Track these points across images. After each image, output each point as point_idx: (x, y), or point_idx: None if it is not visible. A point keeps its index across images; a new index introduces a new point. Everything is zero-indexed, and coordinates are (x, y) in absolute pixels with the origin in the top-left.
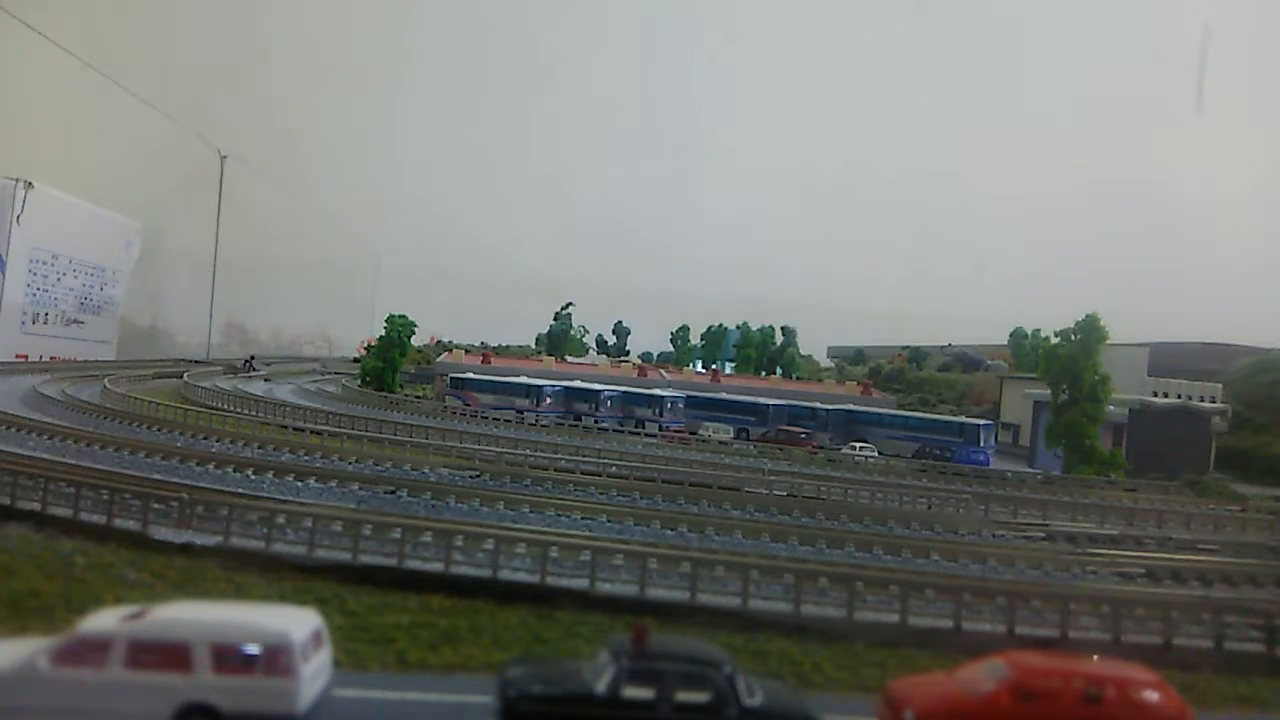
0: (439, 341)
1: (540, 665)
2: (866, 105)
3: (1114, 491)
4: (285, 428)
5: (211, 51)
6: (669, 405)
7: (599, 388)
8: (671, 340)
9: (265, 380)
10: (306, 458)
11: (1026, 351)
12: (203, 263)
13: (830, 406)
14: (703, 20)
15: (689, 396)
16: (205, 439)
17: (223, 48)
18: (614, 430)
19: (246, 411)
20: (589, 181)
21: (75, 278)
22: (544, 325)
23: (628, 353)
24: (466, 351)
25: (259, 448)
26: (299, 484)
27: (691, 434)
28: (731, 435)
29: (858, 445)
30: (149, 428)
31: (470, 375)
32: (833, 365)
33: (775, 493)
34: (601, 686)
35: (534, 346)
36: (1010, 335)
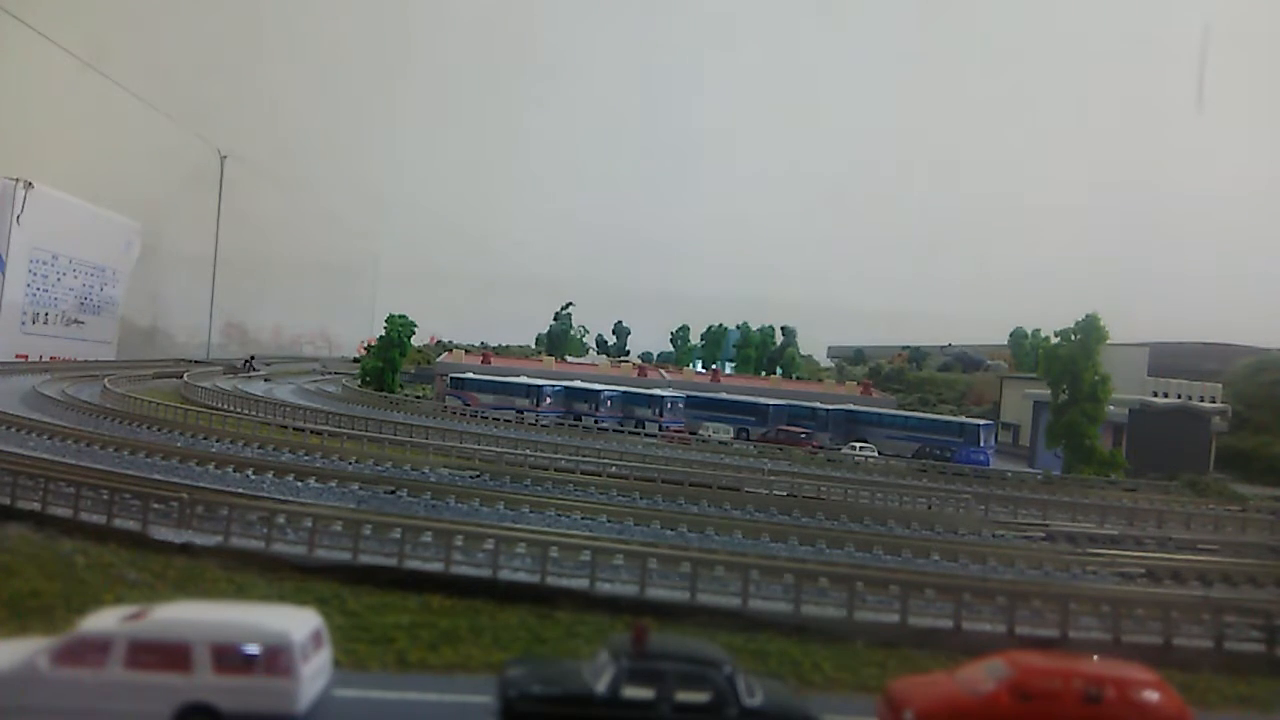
0: (439, 341)
1: (540, 665)
2: (867, 105)
3: (1114, 491)
4: (285, 428)
5: (211, 51)
6: (669, 405)
7: (599, 388)
8: (671, 340)
9: (265, 380)
10: (306, 458)
11: (1026, 351)
12: (203, 263)
13: (830, 406)
14: (703, 20)
15: (689, 396)
16: (205, 439)
17: (223, 48)
18: (614, 430)
19: (246, 411)
20: (589, 181)
21: (75, 278)
22: (544, 325)
23: (628, 353)
24: (466, 351)
25: (259, 448)
26: (299, 484)
27: (691, 434)
28: (731, 435)
29: (858, 445)
30: (149, 428)
31: (470, 375)
32: (833, 365)
33: (775, 493)
34: (601, 686)
35: (534, 346)
36: (1010, 335)
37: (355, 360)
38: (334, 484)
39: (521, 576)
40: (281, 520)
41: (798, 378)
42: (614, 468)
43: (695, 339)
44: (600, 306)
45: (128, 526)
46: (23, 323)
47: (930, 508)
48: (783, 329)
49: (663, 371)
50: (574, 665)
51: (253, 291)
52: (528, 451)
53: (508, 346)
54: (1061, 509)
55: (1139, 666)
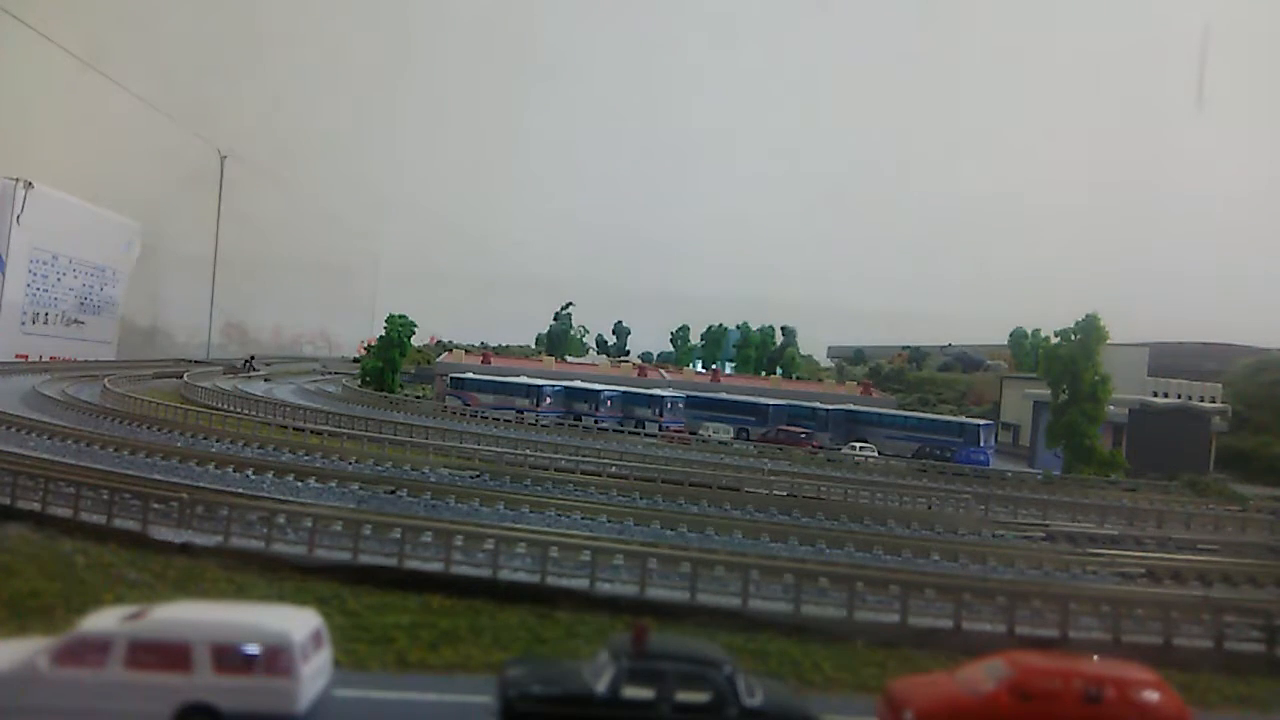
0: (439, 341)
1: (540, 665)
2: (866, 105)
3: (1114, 491)
4: (285, 428)
5: (211, 51)
6: (669, 405)
7: (599, 388)
8: (671, 340)
9: (265, 380)
10: (306, 458)
11: (1026, 351)
12: (203, 263)
13: (830, 406)
14: (703, 20)
15: (689, 396)
16: (205, 439)
17: (223, 48)
18: (614, 430)
19: (246, 411)
20: (589, 181)
21: (75, 278)
22: (544, 325)
23: (628, 353)
24: (466, 351)
25: (259, 448)
26: (299, 484)
27: (691, 434)
28: (731, 435)
29: (858, 445)
30: (149, 428)
31: (470, 375)
32: (833, 365)
33: (775, 493)
34: (601, 686)
35: (534, 346)
36: (1010, 335)
37: (355, 360)
38: (334, 484)
39: (521, 576)
40: (281, 520)
41: (798, 378)
42: (614, 468)
43: (695, 339)
44: (600, 306)
45: (128, 526)
46: (23, 323)
47: (930, 508)
48: (783, 329)
49: (663, 371)
50: (574, 665)
51: (253, 291)
52: (528, 451)
53: (508, 346)
54: (1061, 509)
55: (1139, 666)
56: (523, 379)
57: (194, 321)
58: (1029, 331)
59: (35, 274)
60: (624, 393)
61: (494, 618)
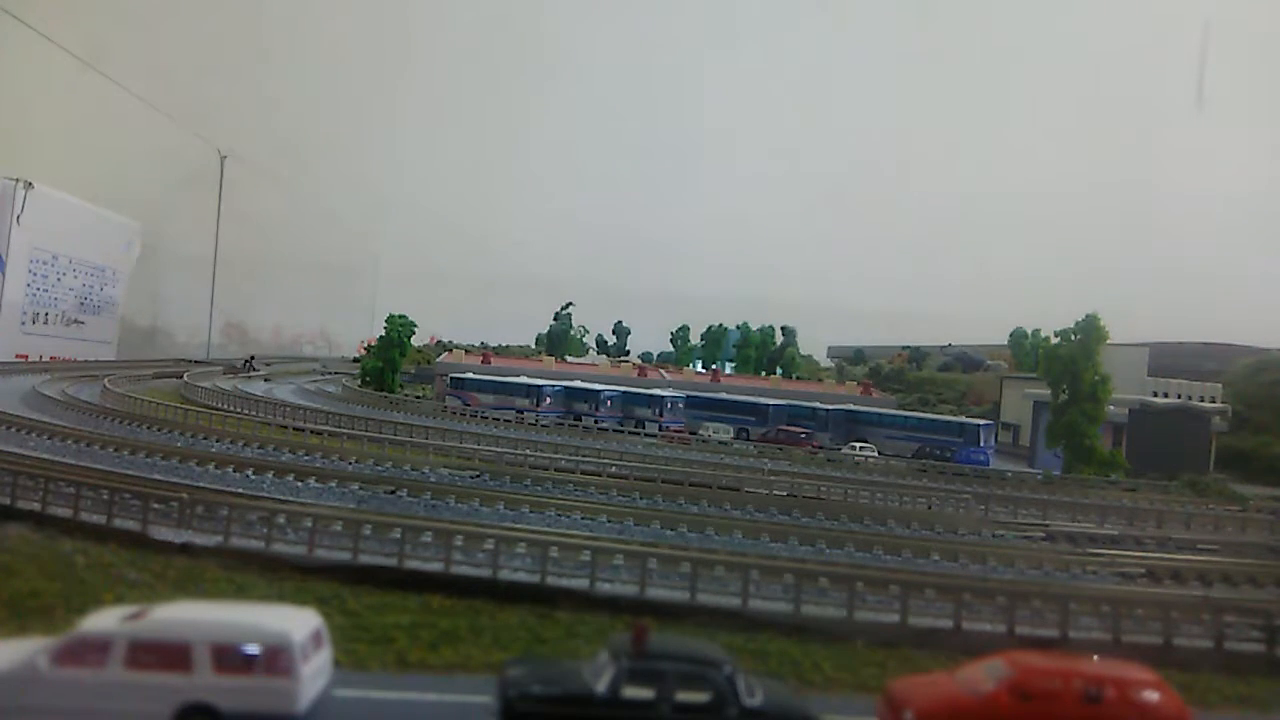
0: (439, 341)
1: (540, 665)
2: (867, 105)
3: (1114, 491)
4: (285, 428)
5: (211, 51)
6: (669, 405)
7: (599, 388)
8: (671, 340)
9: (265, 380)
10: (306, 458)
11: (1026, 351)
12: (203, 263)
13: (830, 406)
14: (703, 19)
15: (689, 396)
16: (205, 439)
17: (223, 48)
18: (614, 430)
19: (246, 411)
20: (589, 181)
21: (75, 278)
22: (544, 325)
23: (628, 353)
24: (466, 351)
25: (259, 448)
26: (299, 484)
27: (691, 434)
28: (731, 435)
29: (858, 445)
30: (149, 428)
31: (470, 375)
32: (833, 365)
33: (775, 493)
34: (601, 686)
35: (534, 346)
36: (1010, 335)
37: (355, 360)
38: (334, 484)
39: (521, 576)
40: (281, 520)
41: (798, 378)
42: (614, 468)
43: (695, 339)
44: (600, 306)
45: (128, 526)
46: (23, 323)
47: (930, 508)
48: (783, 329)
49: (663, 371)
50: (574, 665)
51: (253, 291)
52: (528, 451)
53: (508, 346)
54: (1061, 509)
55: (1139, 666)
56: (523, 379)
57: (194, 321)
58: (1029, 331)
59: (35, 274)
60: (624, 393)
61: (494, 618)
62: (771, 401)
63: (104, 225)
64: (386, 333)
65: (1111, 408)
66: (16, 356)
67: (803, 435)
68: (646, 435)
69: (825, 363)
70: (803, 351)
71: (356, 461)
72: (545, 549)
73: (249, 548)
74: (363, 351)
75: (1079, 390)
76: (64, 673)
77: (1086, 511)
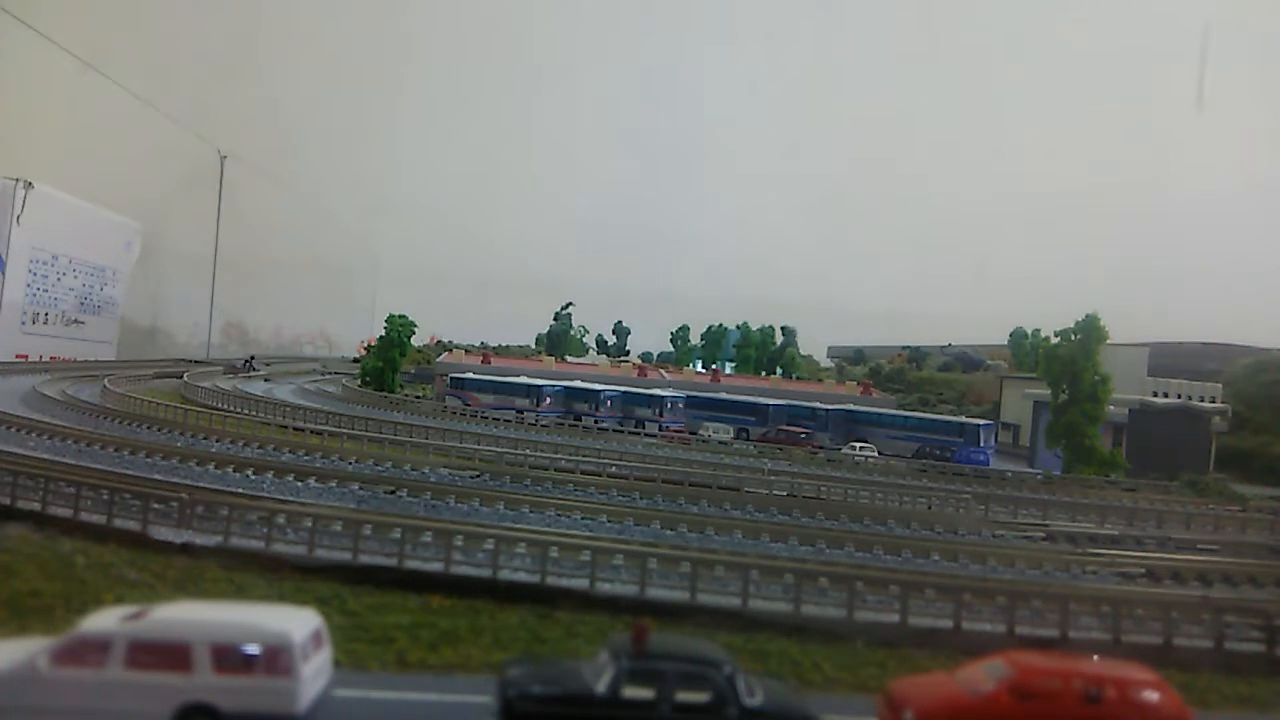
0: (439, 341)
1: (540, 665)
2: (867, 104)
3: (1114, 491)
4: (285, 428)
5: (211, 51)
6: (669, 405)
7: (599, 388)
8: (671, 340)
9: (265, 380)
10: (306, 458)
11: (1026, 351)
12: (203, 263)
13: (830, 406)
14: (703, 19)
15: (689, 396)
16: (205, 439)
17: (223, 48)
18: (614, 430)
19: (246, 411)
20: (589, 181)
21: (75, 278)
22: (544, 325)
23: (628, 353)
24: (466, 351)
25: (259, 448)
26: (299, 484)
27: (691, 434)
28: (731, 435)
29: (858, 445)
30: (149, 428)
31: (470, 375)
32: (833, 365)
33: (775, 493)
34: (601, 686)
35: (534, 346)
36: (1010, 335)
37: (355, 360)
38: (334, 484)
39: (521, 576)
40: (281, 520)
41: (798, 378)
42: (614, 468)
43: (695, 339)
44: (600, 306)
45: (128, 526)
46: (23, 323)
47: (930, 508)
48: (783, 329)
49: (663, 371)
50: (574, 665)
51: (253, 291)
52: (528, 451)
53: (508, 346)
54: (1061, 509)
55: (1139, 666)
56: (523, 379)
57: (194, 321)
58: (1029, 331)
59: (35, 274)
60: (624, 393)
61: (494, 618)
62: (771, 401)
63: (104, 225)
64: (386, 333)
65: (1111, 408)
66: (16, 356)
67: (803, 435)
68: (646, 435)
69: (825, 363)
70: (803, 351)
71: (356, 461)
72: (545, 549)
73: (249, 548)
74: (363, 351)
75: (1079, 390)
76: (64, 673)
77: (1086, 511)
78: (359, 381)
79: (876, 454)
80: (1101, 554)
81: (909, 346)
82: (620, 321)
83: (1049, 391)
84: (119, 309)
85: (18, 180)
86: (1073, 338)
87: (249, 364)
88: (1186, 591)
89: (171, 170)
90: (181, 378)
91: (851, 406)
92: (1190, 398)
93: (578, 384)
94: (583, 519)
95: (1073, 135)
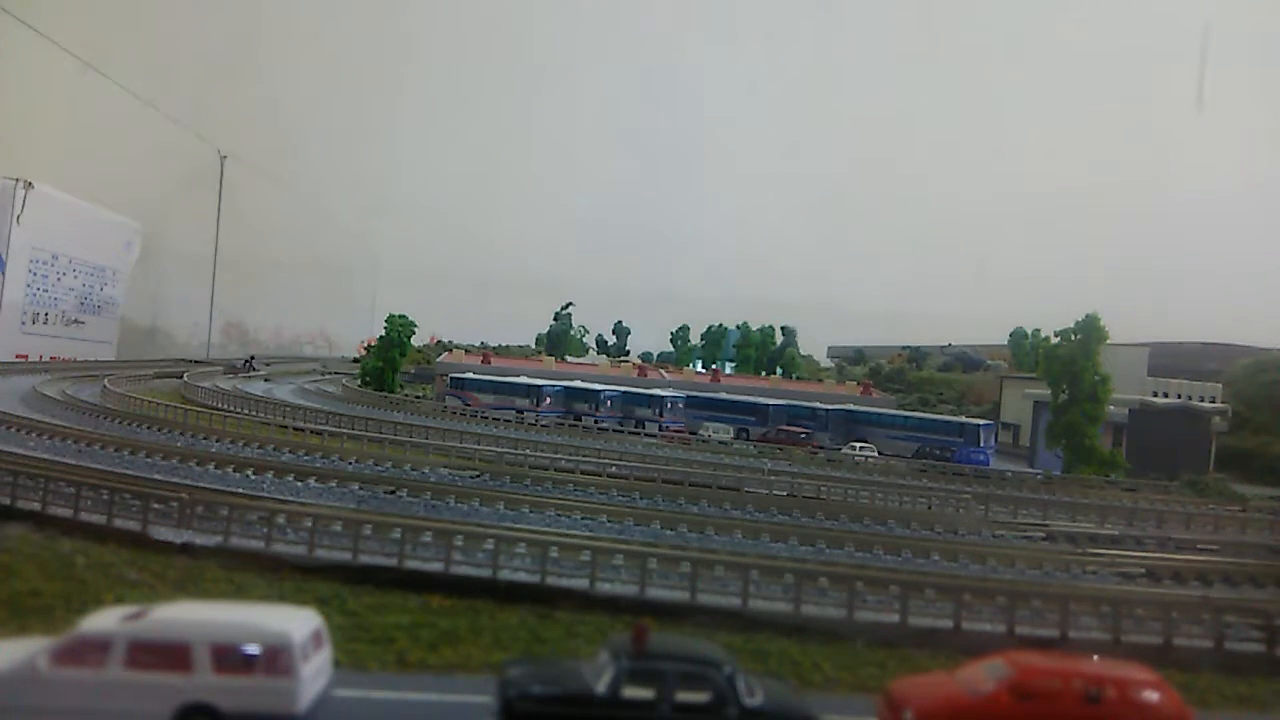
0: (439, 341)
1: (540, 665)
2: (867, 104)
3: (1114, 491)
4: (285, 428)
5: (211, 51)
6: (669, 405)
7: (599, 388)
8: (671, 340)
9: (265, 380)
10: (306, 458)
11: (1026, 351)
12: (203, 263)
13: (830, 406)
14: (703, 19)
15: (689, 396)
16: (205, 439)
17: (223, 48)
18: (614, 430)
19: (246, 411)
20: (589, 181)
21: (75, 278)
22: (544, 325)
23: (628, 353)
24: (466, 351)
25: (259, 448)
26: (299, 484)
27: (691, 434)
28: (731, 435)
29: (858, 445)
30: (149, 428)
31: (470, 375)
32: (833, 365)
33: (775, 493)
34: (601, 686)
35: (534, 346)
36: (1010, 335)
37: (355, 360)
38: (334, 484)
39: (521, 576)
40: (281, 520)
41: (798, 378)
42: (614, 468)
43: (695, 339)
44: (600, 306)
45: (128, 526)
46: (22, 323)
47: (930, 508)
48: (783, 329)
49: (663, 371)
50: (574, 665)
51: (253, 291)
52: (528, 451)
53: (508, 346)
54: (1061, 509)
55: (1139, 666)
56: (523, 379)
57: (194, 321)
58: (1029, 331)
59: (35, 274)
60: (624, 393)
61: (494, 618)
62: (771, 401)
63: (104, 225)
64: (386, 333)
65: (1111, 408)
66: (16, 356)
67: (803, 435)
68: (646, 435)
69: (825, 363)
70: (803, 351)
71: (356, 461)
72: (545, 549)
73: (249, 548)
74: (363, 351)
75: (1079, 390)
76: (64, 673)
77: (1086, 511)
78: (359, 381)
79: (876, 454)
80: (1101, 554)
81: (909, 346)
82: (620, 321)
83: (1049, 391)
84: (119, 309)
85: (18, 180)
86: (1073, 338)
87: (249, 364)
88: (1186, 591)
89: (171, 170)
90: (181, 378)
91: (851, 406)
92: (1190, 398)
93: (578, 384)
94: (583, 519)
95: (1073, 135)
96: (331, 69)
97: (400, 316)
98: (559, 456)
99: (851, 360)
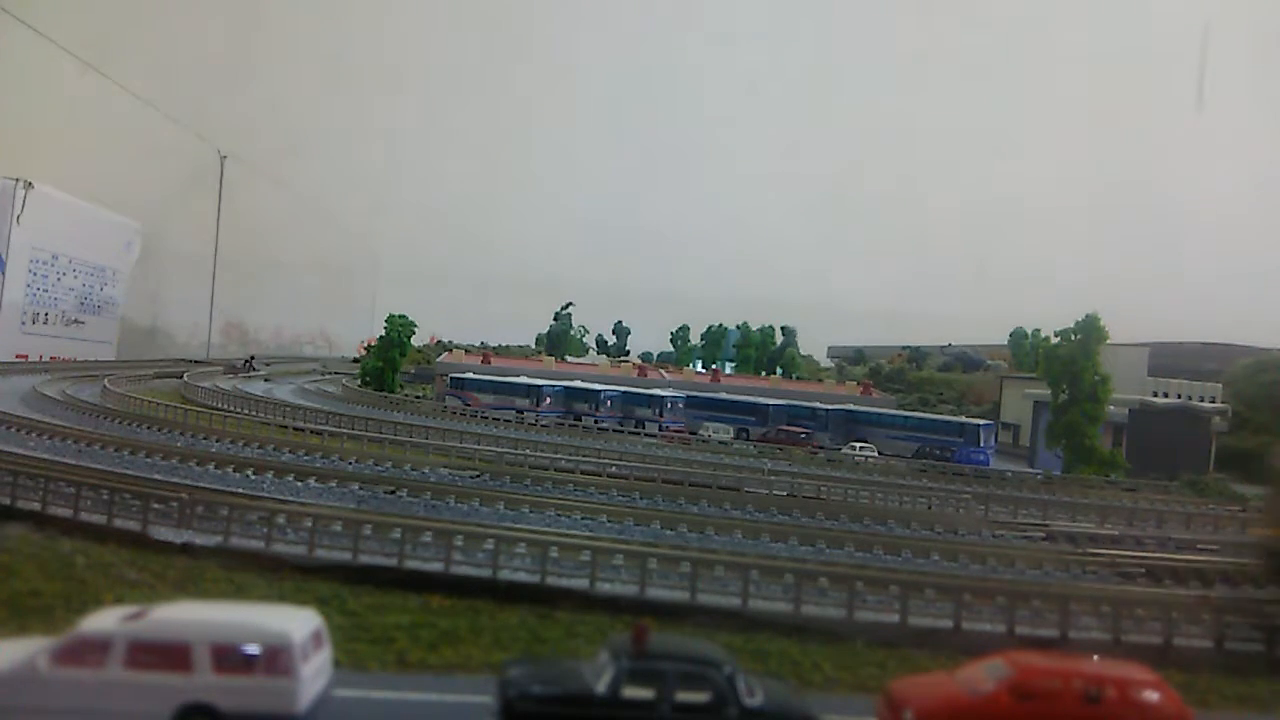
0: (439, 341)
1: (540, 665)
2: (867, 105)
3: (1114, 491)
4: (285, 428)
5: (211, 51)
6: (669, 405)
7: (599, 388)
8: (671, 340)
9: (265, 380)
10: (306, 458)
11: (1026, 351)
12: (203, 263)
13: (830, 406)
14: (703, 20)
15: (689, 396)
16: (205, 439)
17: (223, 48)
18: (614, 430)
19: (246, 411)
20: (589, 181)
21: (75, 278)
22: (544, 325)
23: (628, 353)
24: (466, 351)
25: (259, 448)
26: (299, 484)
27: (691, 434)
28: (731, 435)
29: (858, 445)
30: (149, 428)
31: (470, 375)
32: (833, 365)
33: (775, 493)
34: (601, 686)
35: (534, 346)
36: (1010, 335)
37: (355, 360)
38: (334, 484)
39: (521, 576)
40: (281, 520)
41: (798, 378)
42: (614, 468)
43: (695, 339)
44: (600, 306)
45: (128, 526)
46: (22, 323)
47: (930, 508)
48: (783, 329)
49: (663, 371)
50: (574, 665)
51: (253, 291)
52: (528, 451)
53: (508, 346)
54: (1061, 509)
55: (1139, 666)
56: (523, 379)
57: (194, 321)
58: (1029, 331)
59: (35, 274)
60: (624, 393)
61: (494, 618)
62: (771, 401)
63: (104, 225)
64: (386, 333)
65: (1111, 408)
66: (16, 356)
67: (803, 435)
68: (646, 435)
69: (825, 363)
70: (803, 351)
71: (356, 461)
72: (545, 549)
73: (249, 548)
74: (363, 351)
75: (1079, 390)
76: (64, 673)
77: (1086, 511)
78: (359, 381)
79: (876, 454)
80: (1101, 554)
81: (909, 346)
82: (620, 321)
83: (1049, 391)
84: (119, 309)
85: (18, 180)
86: (1073, 338)
87: (249, 364)
88: (1186, 591)
89: (171, 170)
90: (181, 378)
91: (851, 406)
92: (1190, 398)
93: (578, 384)
94: (583, 519)
95: (1073, 135)
96: (332, 69)
97: (400, 316)
98: (559, 456)
99: (851, 360)
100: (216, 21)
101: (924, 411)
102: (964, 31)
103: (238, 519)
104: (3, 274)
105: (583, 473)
